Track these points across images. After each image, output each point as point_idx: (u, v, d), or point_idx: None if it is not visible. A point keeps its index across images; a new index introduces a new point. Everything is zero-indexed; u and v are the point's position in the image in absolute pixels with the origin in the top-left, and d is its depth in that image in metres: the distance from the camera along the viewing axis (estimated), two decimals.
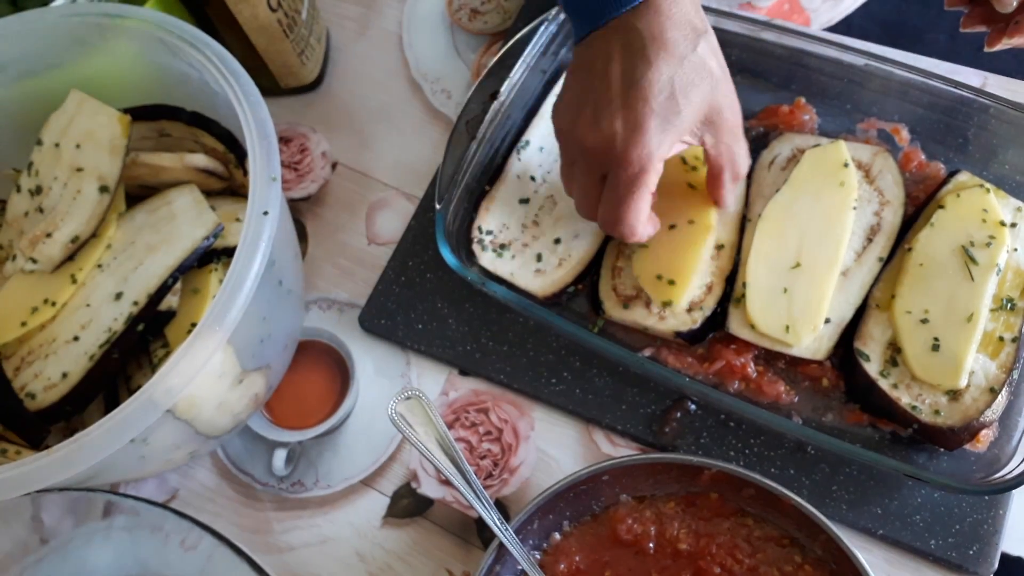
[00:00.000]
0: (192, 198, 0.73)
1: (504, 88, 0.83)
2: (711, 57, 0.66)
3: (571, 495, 0.69)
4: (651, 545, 0.68)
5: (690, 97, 0.64)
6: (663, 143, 0.65)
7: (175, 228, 0.72)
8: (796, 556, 0.67)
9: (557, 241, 0.81)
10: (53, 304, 0.71)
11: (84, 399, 0.70)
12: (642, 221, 0.68)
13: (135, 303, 0.70)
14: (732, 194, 0.76)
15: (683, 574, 0.67)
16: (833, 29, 1.03)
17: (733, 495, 0.69)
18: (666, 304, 0.75)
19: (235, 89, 0.68)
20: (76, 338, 0.70)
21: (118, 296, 0.70)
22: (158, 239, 0.72)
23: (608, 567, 0.68)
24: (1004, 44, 0.73)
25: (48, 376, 0.70)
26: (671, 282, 0.75)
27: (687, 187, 0.79)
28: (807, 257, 0.75)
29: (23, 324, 0.71)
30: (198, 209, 0.73)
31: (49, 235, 0.73)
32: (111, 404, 0.73)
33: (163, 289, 0.70)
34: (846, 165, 0.78)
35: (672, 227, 0.77)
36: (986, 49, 0.74)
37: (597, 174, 0.68)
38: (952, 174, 0.78)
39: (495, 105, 0.83)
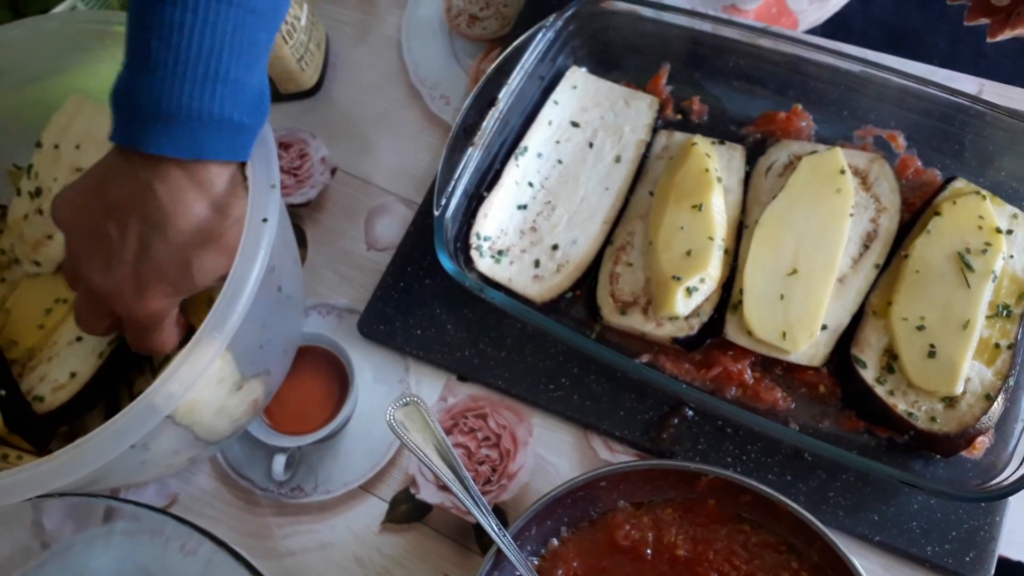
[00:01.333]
0: None
1: (502, 94, 0.83)
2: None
3: (569, 501, 0.69)
4: (649, 551, 0.69)
5: (207, 274, 0.62)
6: (172, 305, 0.63)
7: None
8: (793, 562, 0.67)
9: (555, 247, 0.81)
10: (65, 301, 0.72)
11: (94, 398, 0.71)
12: (169, 343, 0.66)
13: None
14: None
15: None
16: (832, 31, 1.02)
17: (730, 501, 0.69)
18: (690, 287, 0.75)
19: None
20: (79, 339, 0.71)
21: None
22: None
23: (606, 573, 0.69)
24: (1007, 34, 0.73)
25: (55, 378, 0.70)
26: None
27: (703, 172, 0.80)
28: (804, 264, 0.75)
29: (41, 327, 0.72)
30: None
31: (50, 237, 0.74)
32: (112, 410, 0.74)
33: None
34: (843, 172, 0.78)
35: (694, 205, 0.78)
36: (988, 40, 0.74)
37: (103, 308, 0.64)
38: (948, 181, 0.79)
39: (493, 111, 0.83)
